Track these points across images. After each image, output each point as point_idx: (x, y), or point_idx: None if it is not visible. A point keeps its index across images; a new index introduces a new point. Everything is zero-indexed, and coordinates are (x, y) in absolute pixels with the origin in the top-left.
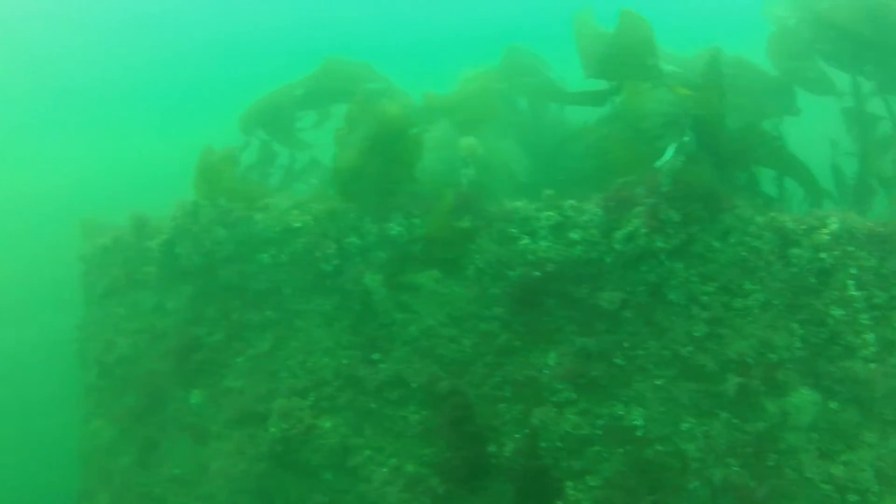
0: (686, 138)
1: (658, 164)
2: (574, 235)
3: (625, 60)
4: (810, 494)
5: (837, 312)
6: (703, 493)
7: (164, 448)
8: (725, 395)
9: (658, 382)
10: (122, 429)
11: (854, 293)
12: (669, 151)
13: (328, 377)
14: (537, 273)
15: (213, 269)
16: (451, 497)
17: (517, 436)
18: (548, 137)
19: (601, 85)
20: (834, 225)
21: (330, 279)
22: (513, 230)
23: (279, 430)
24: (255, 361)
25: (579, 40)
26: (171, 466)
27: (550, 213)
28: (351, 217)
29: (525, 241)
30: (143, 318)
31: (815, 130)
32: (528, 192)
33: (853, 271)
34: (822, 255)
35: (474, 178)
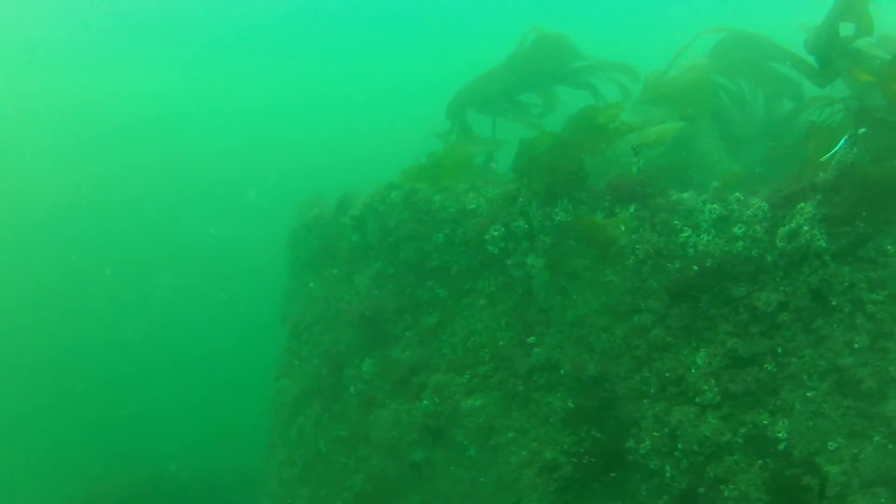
0: (862, 130)
1: (824, 157)
2: (737, 230)
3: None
4: None
5: None
6: None
7: (336, 411)
8: (882, 417)
9: (809, 395)
10: (303, 390)
11: None
12: (839, 144)
13: (485, 357)
14: (696, 267)
15: (395, 246)
16: (581, 488)
17: (656, 434)
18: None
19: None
20: None
21: (497, 261)
22: (676, 222)
23: (431, 403)
24: (422, 336)
25: None
26: (340, 429)
27: (715, 206)
28: (520, 201)
29: (687, 233)
30: (333, 288)
31: None
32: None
33: None
34: None
35: (646, 167)
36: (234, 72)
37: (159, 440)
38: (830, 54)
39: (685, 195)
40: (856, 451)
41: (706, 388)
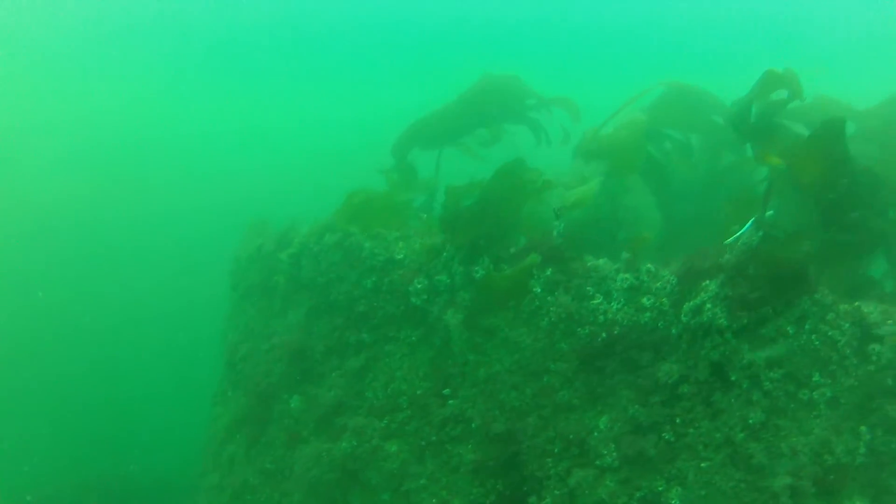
0: (769, 212)
1: (728, 240)
2: (646, 301)
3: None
4: None
5: None
6: None
7: (265, 443)
8: (770, 491)
9: (703, 465)
10: (235, 419)
11: None
12: (746, 225)
13: (403, 404)
14: (604, 335)
15: (327, 287)
16: None
17: (556, 492)
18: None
19: None
20: None
21: (419, 312)
22: (589, 288)
23: (349, 445)
24: (347, 378)
25: None
26: (266, 461)
27: (626, 276)
28: (444, 256)
29: (598, 300)
30: (268, 322)
31: None
32: (670, 243)
33: None
34: None
35: (568, 229)
36: (221, 90)
37: (124, 440)
38: (744, 129)
39: (600, 261)
40: None
41: (606, 452)
